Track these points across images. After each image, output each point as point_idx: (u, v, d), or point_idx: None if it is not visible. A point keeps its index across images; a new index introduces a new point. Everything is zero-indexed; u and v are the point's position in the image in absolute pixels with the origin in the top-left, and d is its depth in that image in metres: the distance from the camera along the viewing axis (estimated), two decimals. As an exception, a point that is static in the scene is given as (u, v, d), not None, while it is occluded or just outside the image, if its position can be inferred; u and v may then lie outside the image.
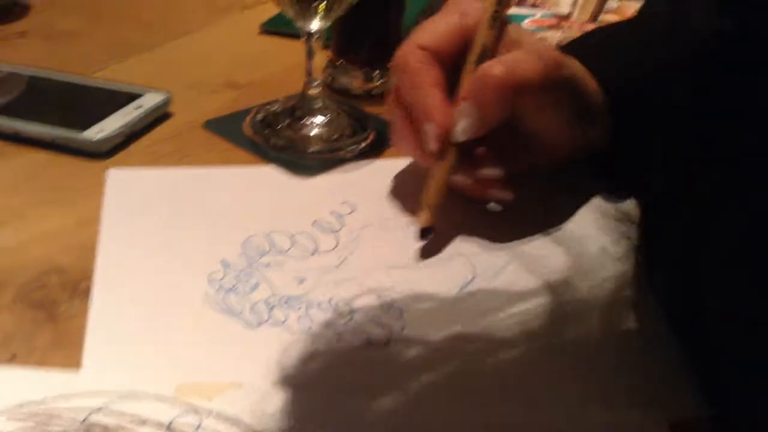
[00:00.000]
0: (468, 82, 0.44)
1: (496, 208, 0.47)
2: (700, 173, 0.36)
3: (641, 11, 0.52)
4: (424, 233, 0.43)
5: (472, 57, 0.44)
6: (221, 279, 0.41)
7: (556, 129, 0.45)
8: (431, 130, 0.43)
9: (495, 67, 0.42)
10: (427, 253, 0.44)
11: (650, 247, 0.41)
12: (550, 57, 0.43)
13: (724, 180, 0.34)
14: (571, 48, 0.48)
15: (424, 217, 0.43)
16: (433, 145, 0.43)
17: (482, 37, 0.44)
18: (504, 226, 0.45)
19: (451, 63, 0.45)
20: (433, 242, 0.44)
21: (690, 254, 0.35)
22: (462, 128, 0.43)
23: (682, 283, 0.36)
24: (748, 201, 0.32)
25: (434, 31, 0.45)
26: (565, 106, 0.44)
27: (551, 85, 0.43)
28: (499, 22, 0.45)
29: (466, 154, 0.44)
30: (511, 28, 0.45)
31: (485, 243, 0.44)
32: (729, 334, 0.33)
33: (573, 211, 0.47)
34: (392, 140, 0.48)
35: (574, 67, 0.45)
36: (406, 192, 0.48)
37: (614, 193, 0.48)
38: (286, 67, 0.62)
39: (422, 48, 0.44)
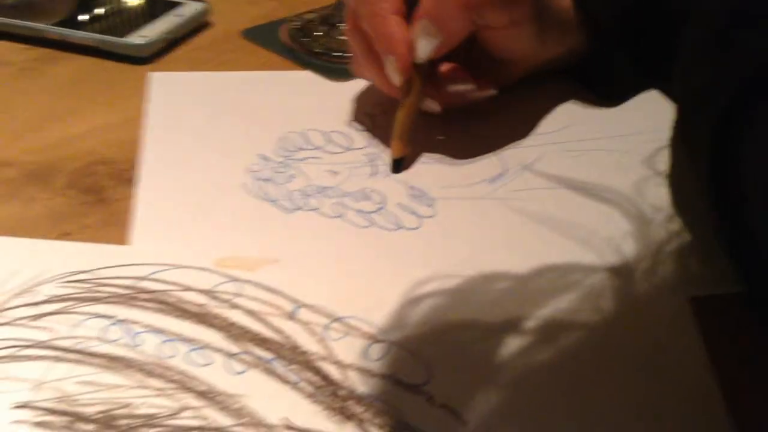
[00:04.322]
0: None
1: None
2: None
3: None
4: (396, 165, 0.43)
5: None
6: (259, 171, 0.43)
7: (519, 45, 0.44)
8: (394, 63, 0.42)
9: None
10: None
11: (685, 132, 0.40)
12: None
13: None
14: None
15: (395, 148, 0.43)
16: (397, 78, 0.42)
17: None
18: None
19: None
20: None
21: (729, 138, 0.34)
22: (422, 48, 0.41)
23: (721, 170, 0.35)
24: None
25: None
26: (527, 23, 0.43)
27: (512, 1, 0.42)
28: None
29: (432, 74, 0.43)
30: None
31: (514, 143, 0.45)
32: None
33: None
34: (353, 68, 0.47)
35: None
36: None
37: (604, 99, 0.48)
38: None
39: None
